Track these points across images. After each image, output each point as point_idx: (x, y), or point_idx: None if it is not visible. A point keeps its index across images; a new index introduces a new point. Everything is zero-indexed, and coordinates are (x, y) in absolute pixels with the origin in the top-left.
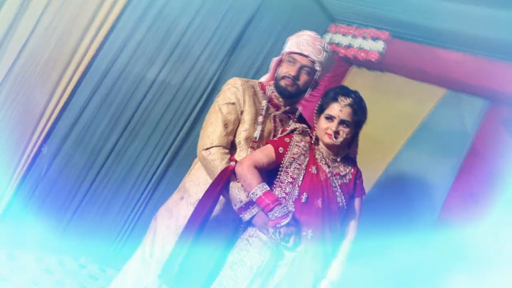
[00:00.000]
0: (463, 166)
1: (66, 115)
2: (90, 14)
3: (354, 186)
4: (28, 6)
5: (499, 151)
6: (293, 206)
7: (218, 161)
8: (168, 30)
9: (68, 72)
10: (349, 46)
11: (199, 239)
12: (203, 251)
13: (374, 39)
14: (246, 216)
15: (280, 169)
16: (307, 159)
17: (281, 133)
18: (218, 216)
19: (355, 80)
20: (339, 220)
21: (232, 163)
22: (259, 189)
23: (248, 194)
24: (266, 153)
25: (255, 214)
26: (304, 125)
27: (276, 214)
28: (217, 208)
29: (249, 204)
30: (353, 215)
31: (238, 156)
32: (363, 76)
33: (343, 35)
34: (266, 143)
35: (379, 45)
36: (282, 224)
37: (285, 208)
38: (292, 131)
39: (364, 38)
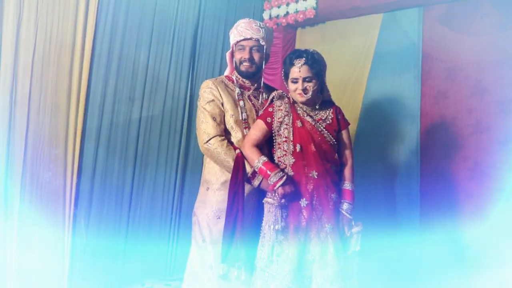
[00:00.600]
0: (424, 70)
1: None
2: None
3: (338, 122)
4: None
5: (446, 47)
6: (292, 157)
7: (219, 148)
8: (133, 68)
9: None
10: (287, 14)
11: (241, 222)
12: (248, 229)
13: None
14: (255, 183)
15: (273, 134)
16: (291, 117)
17: (264, 106)
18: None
19: (304, 40)
20: (334, 153)
21: (238, 151)
22: (258, 161)
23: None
24: (258, 128)
25: (261, 180)
26: (280, 91)
27: (273, 179)
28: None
29: (255, 173)
30: (345, 146)
31: (235, 137)
32: (309, 33)
33: (278, 7)
34: (257, 119)
35: (311, 2)
36: (278, 185)
37: (279, 173)
38: (272, 100)
39: (296, 1)
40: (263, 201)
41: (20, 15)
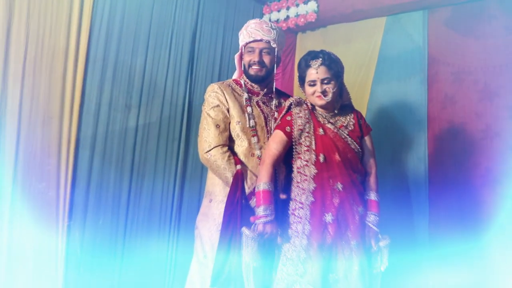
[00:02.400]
0: (430, 74)
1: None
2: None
3: (360, 128)
4: None
5: (452, 50)
6: (315, 168)
7: (219, 160)
8: (129, 74)
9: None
10: (287, 18)
11: (236, 244)
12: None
13: (306, 2)
14: (253, 203)
15: (293, 143)
16: (312, 125)
17: (278, 113)
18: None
19: (305, 45)
20: (359, 162)
21: (238, 166)
22: (261, 185)
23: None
24: (277, 140)
25: None
26: (297, 96)
27: (259, 211)
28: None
29: (253, 193)
30: (369, 153)
31: (240, 146)
32: (310, 38)
33: (278, 11)
34: (275, 129)
35: (312, 6)
36: (259, 221)
37: (269, 210)
38: (289, 107)
39: (296, 5)
40: (241, 229)
41: (10, 19)
